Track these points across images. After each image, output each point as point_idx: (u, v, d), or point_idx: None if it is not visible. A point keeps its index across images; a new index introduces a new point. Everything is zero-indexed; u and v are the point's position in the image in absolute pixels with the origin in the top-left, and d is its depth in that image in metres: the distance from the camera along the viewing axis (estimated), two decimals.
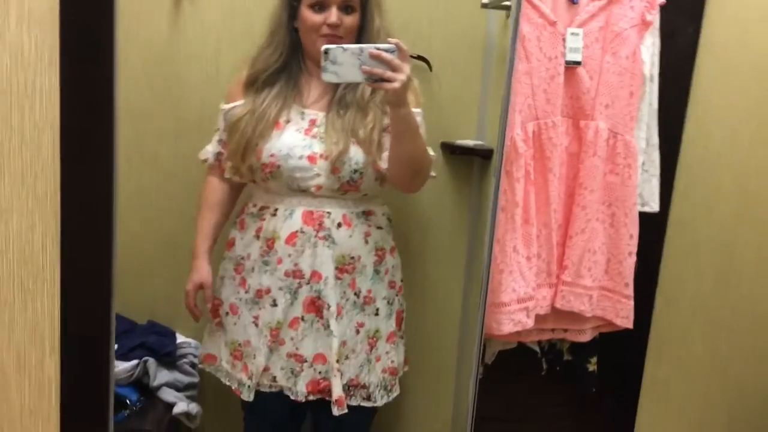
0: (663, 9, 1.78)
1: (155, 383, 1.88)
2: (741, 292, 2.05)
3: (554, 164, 1.74)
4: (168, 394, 1.89)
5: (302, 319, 1.65)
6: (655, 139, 1.82)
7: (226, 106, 1.71)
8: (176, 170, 1.85)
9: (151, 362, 1.88)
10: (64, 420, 0.83)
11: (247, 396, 1.71)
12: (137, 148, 1.91)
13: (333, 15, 1.57)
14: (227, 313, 1.75)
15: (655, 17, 1.77)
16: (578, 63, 1.73)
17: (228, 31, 1.89)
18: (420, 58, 1.96)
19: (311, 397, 1.67)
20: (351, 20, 1.60)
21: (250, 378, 1.70)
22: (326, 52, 1.39)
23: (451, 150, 2.04)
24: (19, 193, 0.79)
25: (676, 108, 1.90)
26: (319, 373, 1.66)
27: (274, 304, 1.66)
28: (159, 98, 1.93)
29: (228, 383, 1.77)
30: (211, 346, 1.81)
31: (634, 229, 1.79)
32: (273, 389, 1.71)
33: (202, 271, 1.74)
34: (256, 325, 1.69)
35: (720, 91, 1.93)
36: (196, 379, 1.98)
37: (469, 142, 2.03)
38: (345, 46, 1.39)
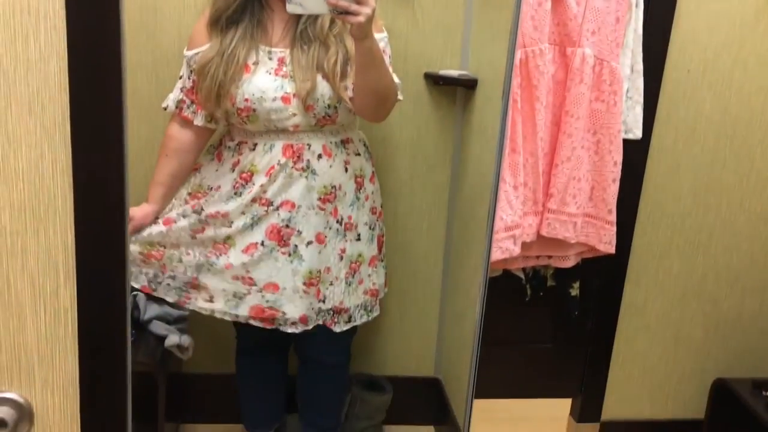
0: None
1: (145, 317, 1.89)
2: (719, 213, 2.11)
3: (541, 92, 1.75)
4: (159, 327, 1.91)
5: (261, 244, 1.67)
6: (640, 66, 1.83)
7: (190, 53, 1.68)
8: (155, 104, 1.81)
9: (141, 296, 1.89)
10: (82, 348, 0.83)
11: (162, 293, 1.77)
12: None
13: None
14: (155, 222, 1.75)
15: None
16: None
17: None
18: None
19: (252, 322, 1.72)
20: None
21: (169, 276, 1.75)
22: None
23: (434, 80, 2.04)
24: (27, 124, 0.78)
25: (660, 33, 1.90)
26: (267, 301, 1.70)
27: (228, 225, 1.68)
28: (135, 30, 1.88)
29: (133, 281, 1.77)
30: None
31: (618, 156, 1.82)
32: (189, 304, 1.77)
33: (143, 210, 1.74)
34: (193, 237, 1.71)
35: (702, 15, 1.93)
36: (186, 312, 2.00)
37: (453, 72, 2.02)
38: None
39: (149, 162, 1.94)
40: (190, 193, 1.76)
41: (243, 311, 1.72)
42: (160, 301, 1.94)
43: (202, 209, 1.71)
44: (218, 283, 1.72)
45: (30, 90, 0.76)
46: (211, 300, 1.74)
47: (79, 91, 0.75)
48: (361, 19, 1.39)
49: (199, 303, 1.77)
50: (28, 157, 0.78)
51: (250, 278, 1.70)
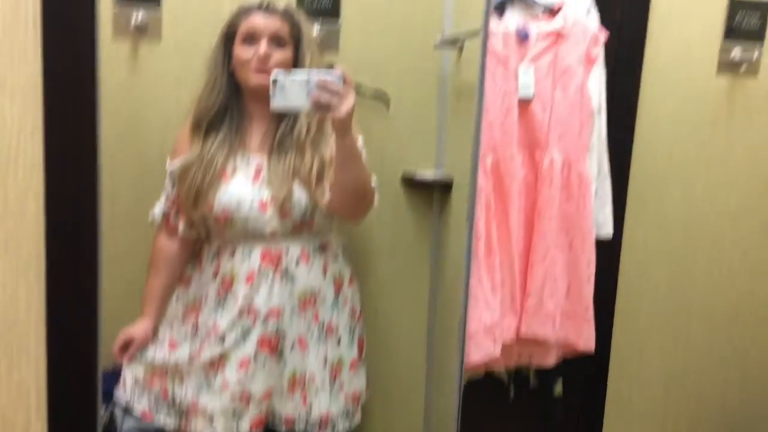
0: (607, 45, 1.87)
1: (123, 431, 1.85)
2: (694, 304, 2.14)
3: (513, 195, 1.80)
4: None
5: (254, 357, 1.66)
6: (606, 168, 1.90)
7: (172, 165, 1.71)
8: (136, 215, 1.83)
9: (118, 410, 1.85)
10: None
11: (162, 419, 1.70)
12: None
13: (262, 47, 1.60)
14: (160, 344, 1.74)
15: (599, 53, 1.86)
16: (530, 98, 1.80)
17: (188, 74, 1.90)
18: (378, 91, 2.01)
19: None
20: (282, 55, 1.62)
21: (170, 405, 1.70)
22: (274, 81, 1.42)
23: (411, 184, 2.09)
24: (3, 262, 0.80)
25: (623, 137, 1.98)
26: (261, 410, 1.68)
27: (222, 341, 1.67)
28: (119, 144, 1.92)
29: (136, 405, 1.71)
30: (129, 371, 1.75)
31: (592, 255, 1.85)
32: (192, 428, 1.70)
33: (140, 327, 1.72)
34: (191, 358, 1.69)
35: (663, 119, 2.03)
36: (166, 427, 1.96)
37: (429, 174, 2.08)
38: (293, 75, 1.42)
39: (130, 268, 1.95)
40: (186, 308, 1.75)
41: (245, 427, 1.68)
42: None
43: (199, 325, 1.70)
44: (218, 403, 1.68)
45: (7, 229, 0.78)
46: (211, 422, 1.69)
47: (54, 230, 0.78)
48: (341, 113, 1.43)
49: (199, 427, 1.70)
50: (3, 295, 0.79)
51: (248, 394, 1.67)
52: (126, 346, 1.72)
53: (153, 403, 1.72)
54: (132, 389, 1.72)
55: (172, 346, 1.73)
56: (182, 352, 1.71)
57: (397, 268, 2.14)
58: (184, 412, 1.71)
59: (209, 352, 1.68)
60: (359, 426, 1.89)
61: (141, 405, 1.72)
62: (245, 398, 1.67)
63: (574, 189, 1.83)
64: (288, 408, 1.70)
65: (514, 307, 1.84)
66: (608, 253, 1.97)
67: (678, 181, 2.07)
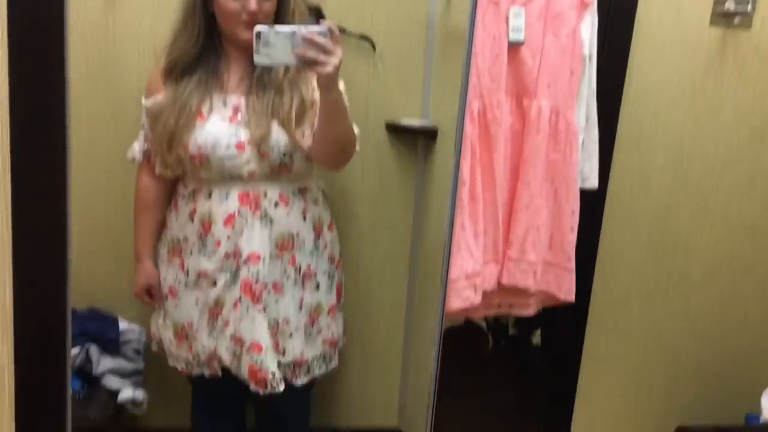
0: None
1: (98, 370, 1.84)
2: (675, 260, 2.14)
3: (499, 143, 1.77)
4: (112, 381, 1.86)
5: (239, 300, 1.65)
6: (594, 117, 1.87)
7: (148, 102, 1.67)
8: (114, 154, 1.79)
9: (93, 349, 1.84)
10: (19, 407, 0.80)
11: (198, 371, 1.74)
12: (74, 131, 1.84)
13: (252, 3, 1.54)
14: (167, 296, 1.74)
15: None
16: (521, 42, 1.76)
17: (165, 8, 1.83)
18: (364, 37, 1.96)
19: (252, 387, 1.68)
20: (269, 5, 1.57)
21: (195, 357, 1.72)
22: (258, 35, 1.36)
23: (395, 130, 2.05)
24: None
25: (614, 86, 1.95)
26: (256, 362, 1.67)
27: (213, 285, 1.66)
28: (94, 79, 1.87)
29: (174, 364, 1.77)
30: (156, 327, 1.81)
31: (576, 205, 1.84)
32: (217, 372, 1.73)
33: (148, 271, 1.74)
34: (197, 305, 1.69)
35: (654, 69, 1.99)
36: (140, 365, 1.95)
37: (414, 122, 2.04)
38: (278, 28, 1.36)
39: (105, 208, 1.92)
40: (169, 251, 1.74)
41: (244, 370, 1.68)
42: (114, 353, 1.89)
43: (188, 268, 1.69)
44: (222, 342, 1.69)
45: None
46: (220, 361, 1.71)
47: (21, 136, 0.73)
48: (329, 69, 1.38)
49: (220, 370, 1.74)
50: None
51: (239, 338, 1.67)
52: (149, 293, 1.75)
53: (183, 362, 1.76)
54: (168, 351, 1.78)
55: (173, 294, 1.72)
56: (186, 303, 1.71)
57: (379, 215, 2.12)
58: (205, 362, 1.73)
59: (205, 296, 1.68)
60: (336, 370, 1.90)
61: (179, 364, 1.77)
62: (239, 342, 1.67)
63: (562, 138, 1.80)
64: (276, 364, 1.68)
65: (497, 255, 1.83)
66: (592, 204, 1.95)
67: (666, 133, 2.05)
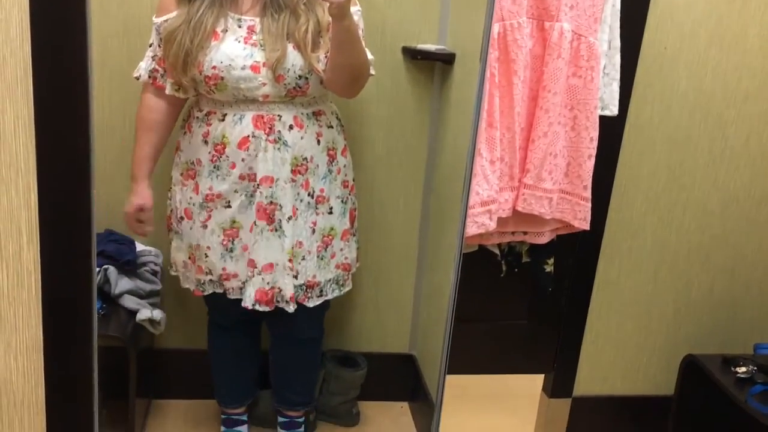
0: None
1: (117, 291, 1.86)
2: (692, 191, 2.12)
3: (519, 66, 1.73)
4: (130, 302, 1.89)
5: (255, 224, 1.66)
6: (617, 42, 1.82)
7: (159, 19, 1.64)
8: (128, 75, 1.77)
9: (112, 270, 1.86)
10: (46, 311, 0.81)
11: (210, 290, 1.79)
12: None
13: None
14: (182, 218, 1.75)
15: None
16: None
17: None
18: None
19: (258, 307, 1.70)
20: None
21: (208, 275, 1.76)
22: None
23: (411, 55, 2.02)
24: None
25: (637, 10, 1.90)
26: (267, 283, 1.69)
27: (228, 206, 1.67)
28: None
29: (186, 286, 1.80)
30: (174, 252, 1.83)
31: (595, 132, 1.81)
32: (232, 294, 1.75)
33: (143, 193, 1.74)
34: (206, 226, 1.71)
35: None
36: (158, 287, 1.98)
37: (431, 47, 2.01)
38: None
39: (121, 129, 1.92)
40: (182, 174, 1.74)
41: (250, 293, 1.70)
42: (132, 274, 1.92)
43: (201, 191, 1.70)
44: (234, 263, 1.72)
45: None
46: (236, 277, 1.74)
47: (41, 42, 0.72)
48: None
49: (234, 293, 1.77)
50: None
51: (252, 260, 1.69)
52: (138, 215, 1.75)
53: (195, 282, 1.81)
54: (182, 273, 1.84)
55: (188, 215, 1.73)
56: (200, 224, 1.72)
57: (394, 141, 2.11)
58: (221, 283, 1.77)
59: (219, 216, 1.69)
60: (349, 294, 1.92)
61: (191, 285, 1.82)
62: (251, 264, 1.69)
63: (583, 62, 1.76)
64: (291, 285, 1.72)
65: (513, 181, 1.82)
66: (611, 131, 1.93)
67: (689, 61, 2.00)
